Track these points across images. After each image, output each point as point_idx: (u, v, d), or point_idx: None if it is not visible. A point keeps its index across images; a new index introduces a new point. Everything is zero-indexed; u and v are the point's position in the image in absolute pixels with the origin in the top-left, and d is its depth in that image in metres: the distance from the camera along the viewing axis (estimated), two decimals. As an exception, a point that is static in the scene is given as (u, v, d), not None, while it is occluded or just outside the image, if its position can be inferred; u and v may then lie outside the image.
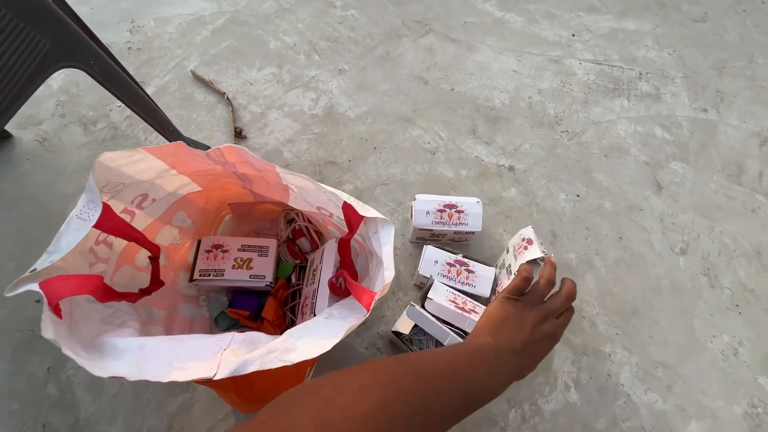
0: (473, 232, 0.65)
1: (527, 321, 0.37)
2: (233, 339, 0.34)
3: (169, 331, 0.47)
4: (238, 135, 0.80)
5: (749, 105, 0.90)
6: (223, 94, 0.85)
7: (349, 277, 0.42)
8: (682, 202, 0.78)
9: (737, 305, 0.69)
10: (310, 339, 0.33)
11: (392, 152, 0.81)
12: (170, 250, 0.53)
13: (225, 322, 0.59)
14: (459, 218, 0.65)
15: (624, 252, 0.73)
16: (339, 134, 0.82)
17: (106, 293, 0.38)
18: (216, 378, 0.30)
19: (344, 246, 0.47)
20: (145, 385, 0.59)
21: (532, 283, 0.40)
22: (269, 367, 0.30)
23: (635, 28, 1.02)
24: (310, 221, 0.60)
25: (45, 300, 0.31)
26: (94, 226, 0.35)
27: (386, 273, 0.36)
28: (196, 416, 0.57)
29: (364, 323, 0.40)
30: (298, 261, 0.60)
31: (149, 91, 0.86)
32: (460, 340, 0.51)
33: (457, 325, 0.52)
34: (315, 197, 0.46)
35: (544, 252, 0.52)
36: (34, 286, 0.31)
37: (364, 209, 0.38)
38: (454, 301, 0.55)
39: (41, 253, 0.33)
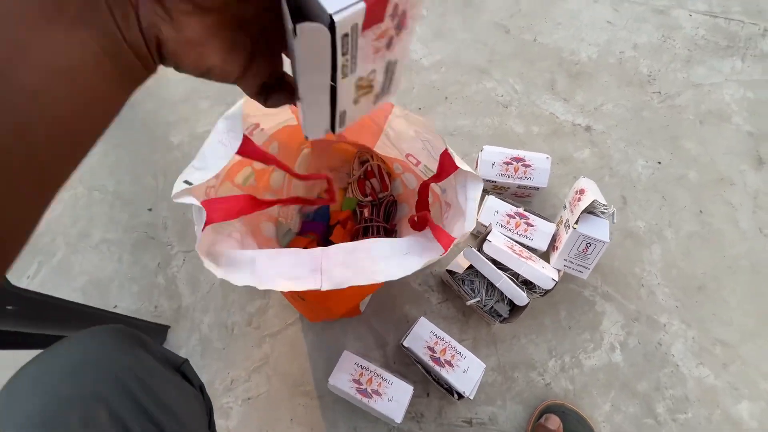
0: (537, 188, 0.65)
1: None
2: (323, 253, 0.40)
3: (257, 244, 0.55)
4: (316, 76, 0.84)
5: None
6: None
7: (431, 218, 0.46)
8: (785, 181, 0.70)
9: (827, 297, 0.63)
10: (393, 262, 0.38)
11: (463, 103, 0.80)
12: (259, 173, 0.60)
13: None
14: (525, 172, 0.65)
15: (701, 227, 0.68)
16: (411, 82, 0.83)
17: (254, 207, 0.45)
18: (323, 289, 0.36)
19: (425, 188, 0.51)
20: (231, 287, 0.70)
21: None
22: (362, 284, 0.37)
23: (770, -27, 0.86)
24: (383, 162, 0.64)
25: (203, 219, 0.36)
26: (238, 152, 0.42)
27: (467, 224, 0.40)
28: (270, 318, 0.68)
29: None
30: (369, 198, 0.65)
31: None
32: (513, 285, 0.54)
33: (512, 268, 0.55)
34: (409, 144, 0.49)
35: (604, 205, 0.52)
36: (194, 200, 0.35)
37: (460, 162, 0.42)
38: (511, 248, 0.57)
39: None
